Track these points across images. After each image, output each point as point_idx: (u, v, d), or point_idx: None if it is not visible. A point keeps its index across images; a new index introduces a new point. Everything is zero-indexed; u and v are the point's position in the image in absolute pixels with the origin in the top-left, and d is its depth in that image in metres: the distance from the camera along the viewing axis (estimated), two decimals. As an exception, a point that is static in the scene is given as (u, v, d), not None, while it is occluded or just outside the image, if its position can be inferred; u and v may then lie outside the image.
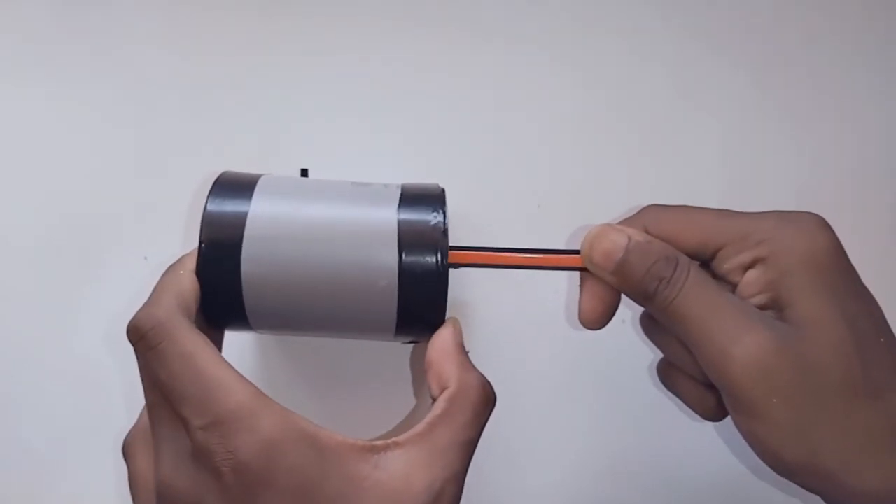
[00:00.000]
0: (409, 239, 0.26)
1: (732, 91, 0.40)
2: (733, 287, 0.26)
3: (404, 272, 0.26)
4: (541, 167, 0.39)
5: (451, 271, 0.28)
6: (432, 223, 0.27)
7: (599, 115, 0.40)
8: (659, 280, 0.24)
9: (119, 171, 0.38)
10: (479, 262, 0.27)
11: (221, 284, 0.26)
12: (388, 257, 0.26)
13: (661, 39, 0.40)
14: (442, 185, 0.37)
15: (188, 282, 0.25)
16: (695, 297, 0.24)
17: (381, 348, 0.37)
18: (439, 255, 0.26)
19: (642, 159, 0.39)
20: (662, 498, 0.38)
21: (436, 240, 0.26)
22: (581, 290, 0.28)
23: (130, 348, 0.36)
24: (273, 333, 0.31)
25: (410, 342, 0.30)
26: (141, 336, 0.23)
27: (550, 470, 0.38)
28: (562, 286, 0.38)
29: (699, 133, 0.40)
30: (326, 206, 0.27)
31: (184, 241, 0.37)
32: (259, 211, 0.26)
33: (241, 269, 0.26)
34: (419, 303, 0.26)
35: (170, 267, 0.26)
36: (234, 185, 0.28)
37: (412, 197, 0.28)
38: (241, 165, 0.37)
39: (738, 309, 0.24)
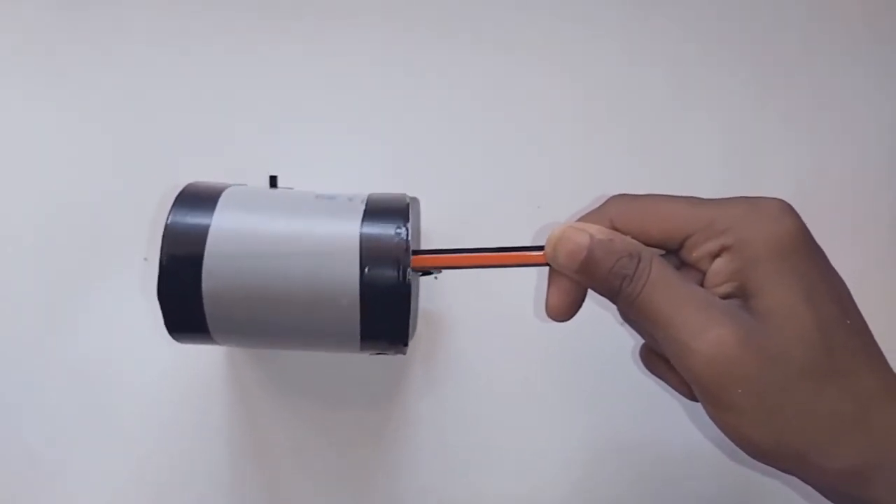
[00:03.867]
0: (371, 255, 0.26)
1: (731, 92, 0.40)
2: (701, 276, 0.26)
3: (366, 288, 0.26)
4: (541, 168, 0.39)
5: (423, 280, 0.28)
6: (395, 239, 0.26)
7: (599, 117, 0.40)
8: (622, 278, 0.25)
9: (120, 172, 0.38)
10: (443, 264, 0.27)
11: (182, 299, 0.26)
12: (349, 273, 0.25)
13: (660, 41, 0.40)
14: (442, 186, 0.37)
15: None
16: (657, 292, 0.24)
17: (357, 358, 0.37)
18: (401, 271, 0.26)
19: (642, 160, 0.39)
20: (652, 482, 0.38)
21: (397, 255, 0.26)
22: (548, 285, 0.28)
23: (130, 348, 0.36)
24: (237, 346, 0.30)
25: (377, 354, 0.29)
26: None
27: (535, 468, 0.38)
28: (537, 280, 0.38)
29: (698, 133, 0.40)
30: (289, 220, 0.27)
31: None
32: (220, 226, 0.26)
33: (202, 284, 0.26)
34: (381, 318, 0.26)
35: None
36: (198, 199, 0.27)
37: (376, 211, 0.27)
38: (241, 165, 0.38)
39: (701, 302, 0.24)
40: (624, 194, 0.28)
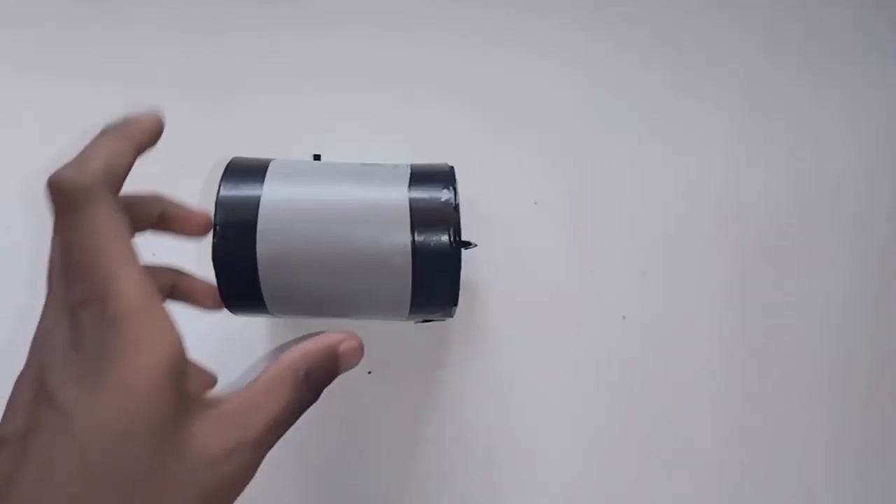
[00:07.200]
0: (421, 216, 0.26)
1: (729, 91, 0.42)
2: None
3: (418, 249, 0.26)
4: (538, 165, 0.40)
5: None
6: (443, 199, 0.27)
7: (597, 115, 0.41)
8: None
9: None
10: None
11: (237, 267, 0.26)
12: (401, 235, 0.26)
13: (660, 42, 0.42)
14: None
15: (126, 154, 0.23)
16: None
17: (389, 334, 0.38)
18: (451, 231, 0.26)
19: (638, 158, 0.41)
20: (665, 472, 0.40)
21: (447, 216, 0.26)
22: None
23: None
24: (289, 316, 0.31)
25: (423, 321, 0.30)
26: (63, 196, 0.21)
27: (571, 444, 0.39)
28: (571, 273, 0.39)
29: (695, 132, 0.41)
30: (338, 186, 0.27)
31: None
32: (272, 193, 0.27)
33: (257, 250, 0.26)
34: (433, 279, 0.27)
35: (109, 129, 0.24)
36: (246, 170, 0.28)
37: (422, 175, 0.28)
38: (249, 154, 0.38)
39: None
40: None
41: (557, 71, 0.41)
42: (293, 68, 0.40)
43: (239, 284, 0.27)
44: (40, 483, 0.20)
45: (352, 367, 0.26)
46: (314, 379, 0.25)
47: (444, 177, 0.28)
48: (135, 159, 0.23)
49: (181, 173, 0.38)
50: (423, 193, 0.27)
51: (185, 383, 0.21)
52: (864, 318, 0.40)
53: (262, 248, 0.26)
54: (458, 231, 0.26)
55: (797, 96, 0.42)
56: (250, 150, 0.39)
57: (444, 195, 0.27)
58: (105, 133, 0.23)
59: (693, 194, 0.40)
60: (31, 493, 0.19)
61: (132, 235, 0.23)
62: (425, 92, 0.40)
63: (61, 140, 0.39)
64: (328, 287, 0.27)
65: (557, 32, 0.41)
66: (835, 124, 0.42)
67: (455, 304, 0.28)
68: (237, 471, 0.22)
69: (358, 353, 0.26)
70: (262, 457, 0.23)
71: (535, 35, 0.41)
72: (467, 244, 0.30)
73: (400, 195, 0.27)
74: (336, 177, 0.28)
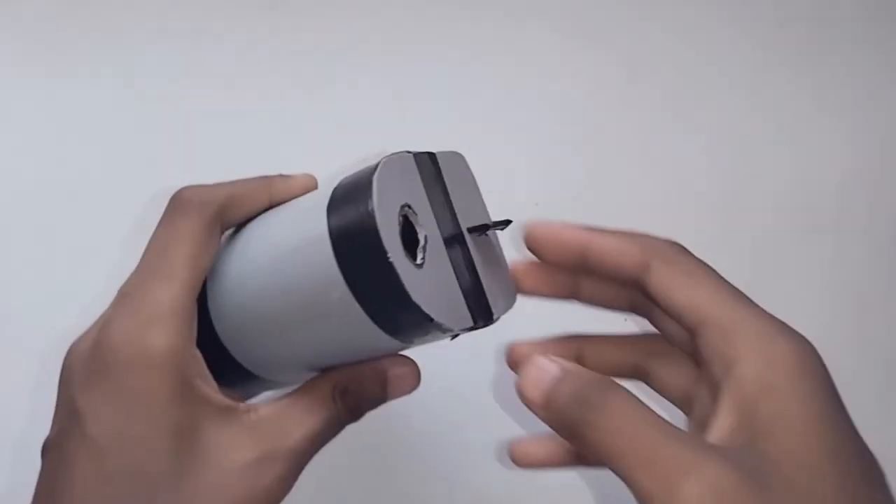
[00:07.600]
0: (342, 241, 0.22)
1: (726, 93, 0.42)
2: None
3: (350, 277, 0.22)
4: (539, 166, 0.40)
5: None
6: (361, 213, 0.22)
7: (598, 117, 0.41)
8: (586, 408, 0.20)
9: (125, 171, 0.38)
10: None
11: (209, 351, 0.24)
12: (328, 268, 0.22)
13: (660, 42, 0.42)
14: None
15: (254, 199, 0.25)
16: (628, 427, 0.20)
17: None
18: (377, 245, 0.21)
19: (639, 159, 0.41)
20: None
21: (365, 230, 0.21)
22: None
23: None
24: (298, 375, 0.27)
25: (453, 336, 0.25)
26: (177, 202, 0.24)
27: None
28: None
29: (694, 134, 0.41)
30: (266, 235, 0.25)
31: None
32: (214, 268, 0.25)
33: (216, 329, 0.25)
34: (385, 299, 0.22)
35: (261, 177, 0.26)
36: None
37: (343, 192, 0.23)
38: (247, 159, 0.38)
39: (687, 439, 0.19)
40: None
41: (559, 71, 0.41)
42: (292, 66, 0.40)
43: (220, 367, 0.24)
44: (62, 491, 0.20)
45: (405, 393, 0.25)
46: (353, 400, 0.24)
47: (363, 185, 0.22)
48: (263, 205, 0.25)
49: (176, 185, 0.38)
50: (341, 216, 0.22)
51: (201, 386, 0.21)
52: (868, 317, 0.40)
53: (219, 326, 0.24)
54: (378, 241, 0.21)
55: (798, 97, 0.42)
56: (249, 157, 0.39)
57: (364, 206, 0.21)
58: (257, 177, 0.26)
59: (694, 195, 0.40)
60: (58, 501, 0.20)
61: (210, 256, 0.24)
62: (425, 93, 0.40)
63: (56, 143, 0.40)
64: (300, 346, 0.24)
65: (559, 33, 0.41)
66: (837, 125, 0.42)
67: (430, 319, 0.22)
68: (270, 481, 0.22)
69: (411, 379, 0.26)
70: (300, 468, 0.23)
71: (537, 35, 0.41)
72: (485, 227, 0.26)
73: (318, 223, 0.22)
74: (261, 228, 0.25)
